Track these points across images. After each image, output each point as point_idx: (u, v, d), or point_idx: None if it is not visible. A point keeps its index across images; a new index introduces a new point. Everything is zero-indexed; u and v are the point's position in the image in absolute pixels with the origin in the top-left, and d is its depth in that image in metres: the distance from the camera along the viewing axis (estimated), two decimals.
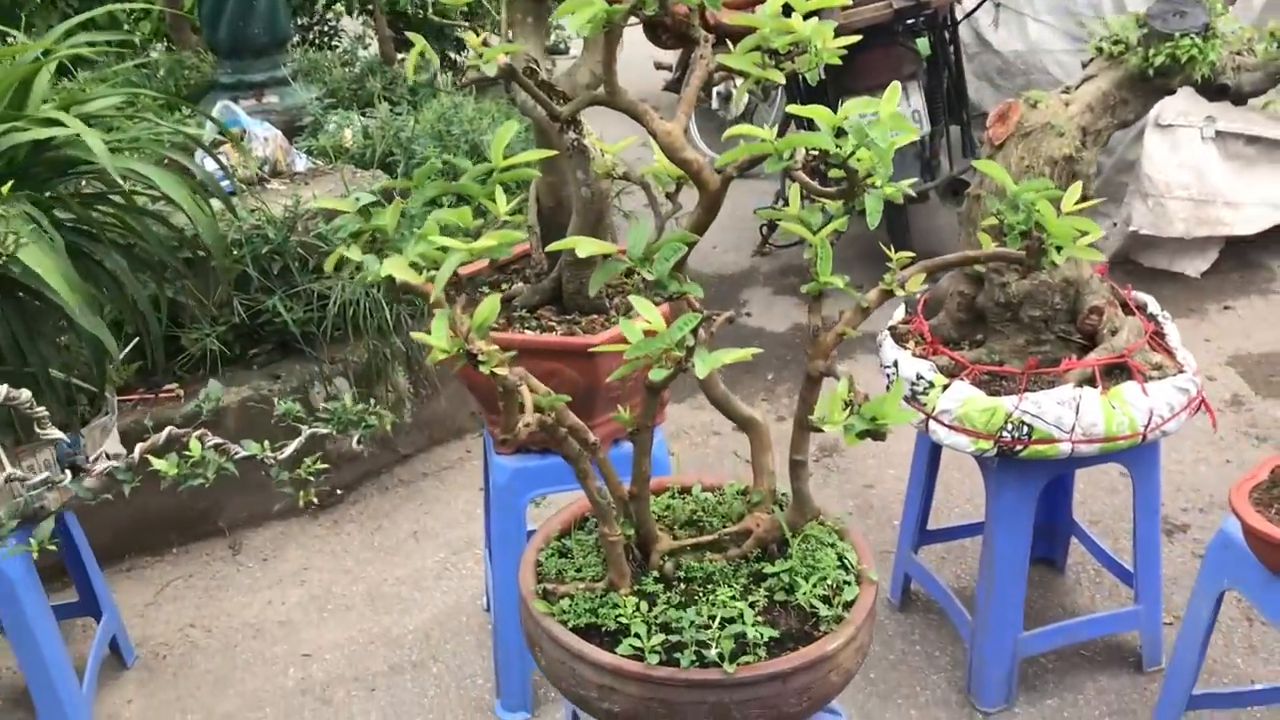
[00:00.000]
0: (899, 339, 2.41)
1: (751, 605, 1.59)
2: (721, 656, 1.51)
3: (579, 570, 1.68)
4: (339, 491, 3.37)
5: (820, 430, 1.46)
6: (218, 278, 3.17)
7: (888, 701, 2.52)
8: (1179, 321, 4.03)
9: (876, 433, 1.43)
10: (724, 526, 1.72)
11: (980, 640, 2.44)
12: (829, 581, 1.62)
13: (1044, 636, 2.45)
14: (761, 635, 1.52)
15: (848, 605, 1.59)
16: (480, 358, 1.27)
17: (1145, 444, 2.21)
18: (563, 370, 2.22)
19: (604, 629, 1.57)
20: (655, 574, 1.63)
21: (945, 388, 2.22)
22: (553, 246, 1.34)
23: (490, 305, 1.32)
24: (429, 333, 1.31)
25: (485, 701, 2.58)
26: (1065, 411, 2.13)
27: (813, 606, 1.58)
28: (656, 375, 1.28)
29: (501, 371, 1.30)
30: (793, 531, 1.68)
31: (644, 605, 1.59)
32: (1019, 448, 2.16)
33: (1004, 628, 2.40)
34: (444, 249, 1.32)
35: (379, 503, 3.35)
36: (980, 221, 2.26)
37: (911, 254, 1.59)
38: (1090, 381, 2.22)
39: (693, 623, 1.53)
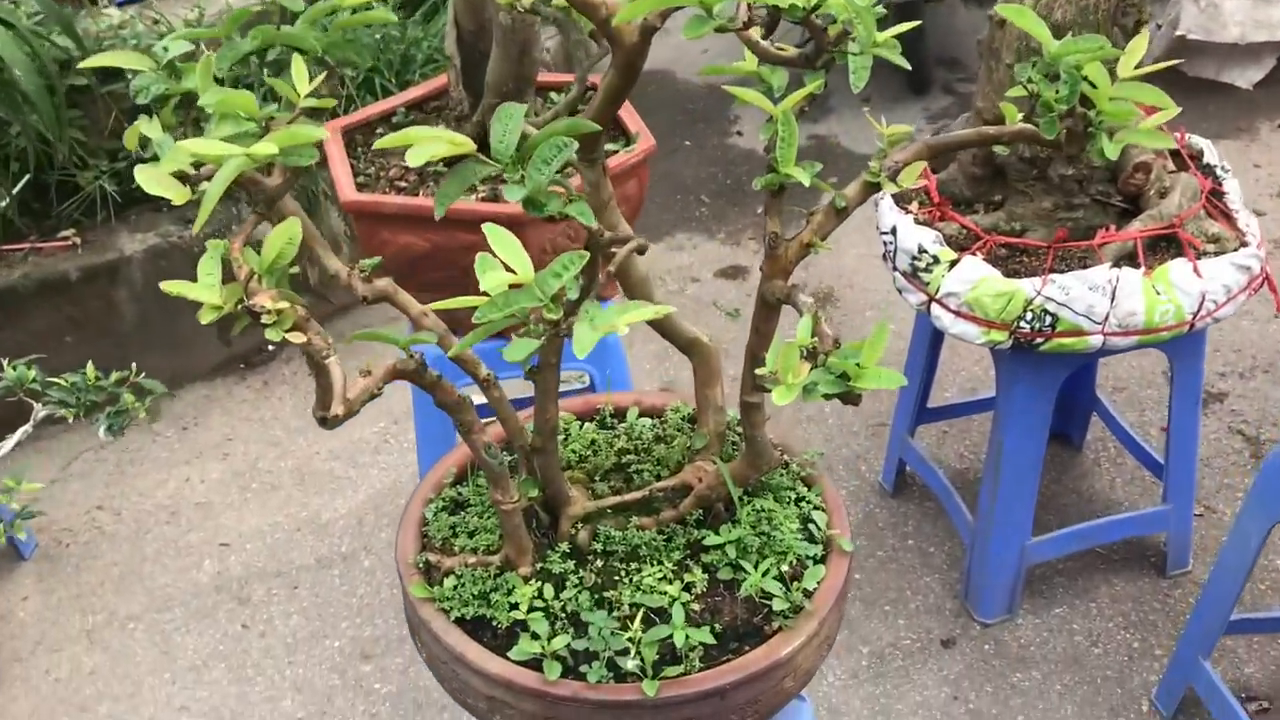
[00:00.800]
0: (900, 198, 1.99)
1: (687, 588, 1.24)
2: (643, 669, 1.17)
3: (473, 535, 1.32)
4: (269, 347, 3.02)
5: (766, 391, 1.07)
6: (109, 105, 2.73)
7: (872, 608, 2.22)
8: (1225, 144, 3.56)
9: (848, 395, 1.04)
10: (658, 477, 1.35)
11: (981, 546, 2.11)
12: (787, 557, 1.27)
13: (1055, 542, 2.13)
14: (693, 641, 1.18)
15: (810, 590, 1.24)
16: (266, 319, 0.87)
17: (1192, 332, 1.81)
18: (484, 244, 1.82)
19: (496, 624, 1.22)
20: (565, 546, 1.27)
21: (953, 264, 1.82)
22: (384, 141, 0.92)
23: (285, 234, 0.92)
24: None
25: None
26: (1098, 299, 1.73)
27: (764, 596, 1.22)
28: (516, 352, 0.88)
29: (300, 338, 0.90)
30: (745, 489, 1.32)
31: (548, 590, 1.24)
32: (1039, 341, 1.77)
33: (1009, 534, 2.07)
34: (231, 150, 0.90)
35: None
36: (1005, 57, 1.80)
37: (907, 130, 1.16)
38: (1130, 258, 1.81)
39: (604, 626, 1.18)
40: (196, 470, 2.68)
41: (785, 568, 1.25)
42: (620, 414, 1.51)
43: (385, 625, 2.26)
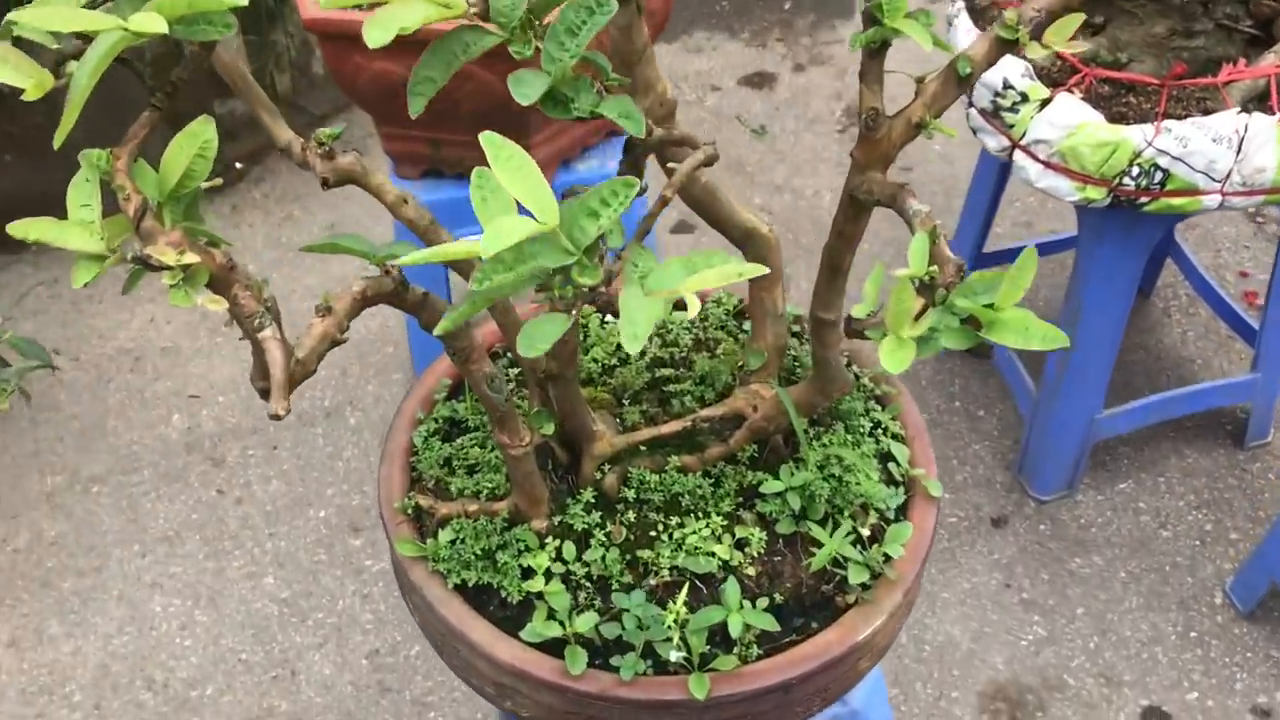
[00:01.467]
0: (977, 13, 1.65)
1: (739, 545, 1.00)
2: (688, 660, 0.94)
3: (473, 471, 1.07)
4: (238, 165, 2.70)
5: (864, 337, 0.79)
6: None
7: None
8: None
9: (979, 348, 0.77)
10: (702, 401, 1.09)
11: (1044, 418, 1.87)
12: (865, 506, 1.02)
13: (1129, 416, 1.89)
14: (752, 627, 0.94)
15: (885, 555, 1.00)
16: (167, 277, 0.59)
17: None
18: (477, 72, 1.50)
19: (505, 594, 0.99)
20: (589, 494, 1.02)
21: (1044, 104, 1.50)
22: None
23: (194, 141, 0.63)
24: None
25: None
26: (1222, 152, 1.43)
27: (839, 561, 0.99)
28: (534, 342, 0.60)
29: (218, 303, 0.62)
30: (811, 419, 1.06)
31: (568, 549, 1.00)
32: (1144, 200, 1.48)
33: (1078, 406, 1.83)
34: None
35: (288, 182, 2.68)
36: None
37: None
38: (1260, 99, 1.50)
39: (640, 612, 0.94)
40: (161, 309, 2.41)
41: (858, 526, 1.01)
42: None
43: (375, 494, 2.04)
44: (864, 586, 0.98)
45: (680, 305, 1.17)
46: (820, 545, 1.00)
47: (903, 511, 1.05)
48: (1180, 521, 1.92)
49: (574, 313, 0.60)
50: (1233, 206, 1.49)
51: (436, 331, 0.76)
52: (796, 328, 1.20)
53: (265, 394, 0.71)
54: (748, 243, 1.03)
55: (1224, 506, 1.94)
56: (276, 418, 0.62)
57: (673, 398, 1.10)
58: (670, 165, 0.81)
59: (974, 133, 1.63)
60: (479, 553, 1.00)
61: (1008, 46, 0.84)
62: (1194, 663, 1.76)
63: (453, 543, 1.01)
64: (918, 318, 0.76)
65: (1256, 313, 2.20)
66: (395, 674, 1.82)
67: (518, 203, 0.60)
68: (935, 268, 0.78)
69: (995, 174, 1.93)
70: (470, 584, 0.99)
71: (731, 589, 0.95)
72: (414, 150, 1.68)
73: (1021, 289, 0.77)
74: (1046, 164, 1.51)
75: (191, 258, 0.59)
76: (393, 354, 2.28)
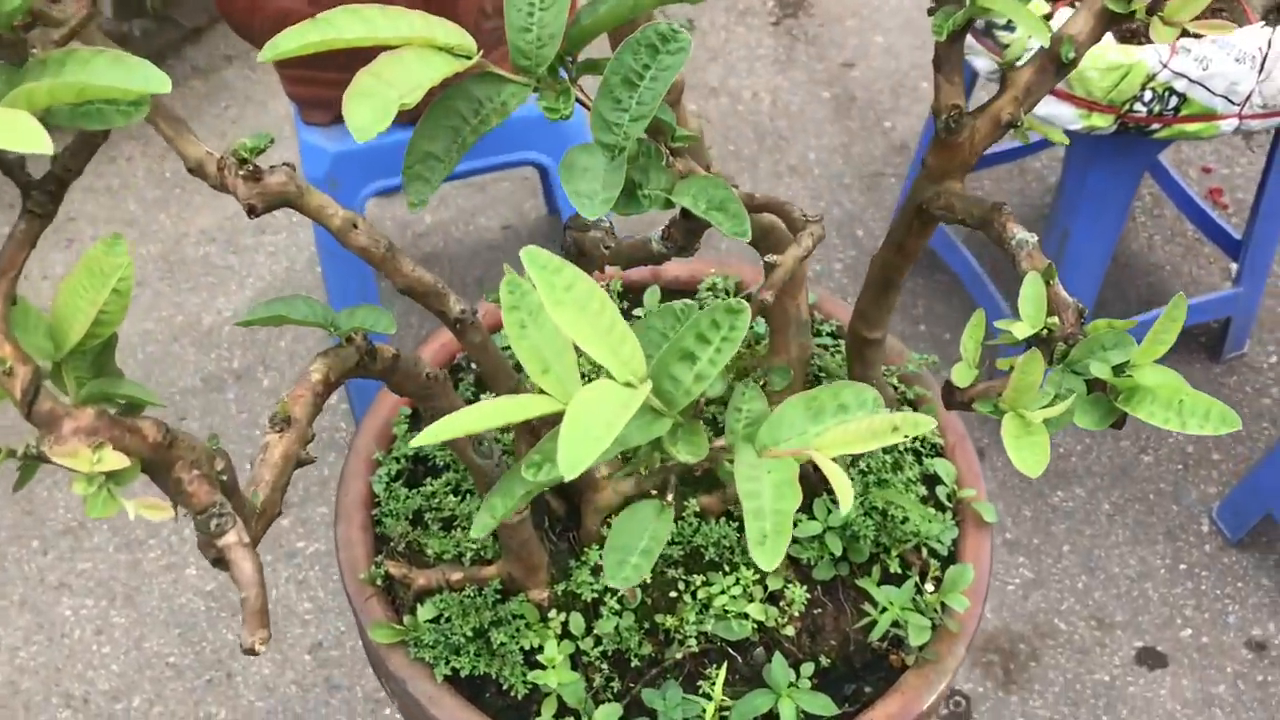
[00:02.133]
0: None
1: (774, 600, 0.86)
2: None
3: (450, 526, 0.90)
4: None
5: (967, 408, 0.64)
6: None
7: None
8: None
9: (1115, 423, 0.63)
10: (718, 426, 0.93)
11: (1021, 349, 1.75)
12: (914, 545, 0.88)
13: None
14: (806, 712, 0.81)
15: (942, 604, 0.86)
16: (78, 484, 0.41)
17: None
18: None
19: (509, 688, 0.83)
20: (596, 554, 0.86)
21: (1046, 19, 1.33)
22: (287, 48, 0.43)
23: (104, 273, 0.44)
24: None
25: (340, 439, 1.87)
26: (1245, 72, 1.29)
27: (898, 623, 0.85)
28: (624, 555, 0.43)
29: (160, 512, 0.44)
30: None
31: (575, 623, 0.84)
32: (1155, 127, 1.34)
33: None
34: None
35: (171, 102, 2.39)
36: None
37: None
38: None
39: (674, 709, 0.79)
40: (35, 263, 2.14)
41: (913, 572, 0.87)
42: (630, 291, 1.07)
43: (314, 471, 1.86)
44: (916, 644, 0.85)
45: (666, 288, 1.00)
46: (867, 594, 0.86)
47: (955, 543, 0.91)
48: (1161, 445, 1.84)
49: (670, 499, 0.43)
50: (1249, 130, 1.36)
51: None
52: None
53: (219, 563, 0.53)
54: (765, 243, 0.86)
55: None
56: (252, 653, 0.45)
57: None
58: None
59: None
60: (469, 633, 0.84)
61: (1115, 20, 0.67)
62: (1185, 597, 1.69)
63: (436, 621, 0.85)
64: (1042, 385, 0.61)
65: (1223, 212, 2.11)
66: (342, 668, 1.66)
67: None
68: (1054, 318, 0.62)
69: (967, 74, 1.77)
70: (463, 674, 0.83)
71: (778, 667, 0.81)
72: (325, 95, 1.45)
73: (1166, 344, 0.62)
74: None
75: (115, 461, 0.41)
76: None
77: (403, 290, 0.82)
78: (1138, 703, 1.60)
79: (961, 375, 0.63)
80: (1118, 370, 0.62)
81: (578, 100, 0.46)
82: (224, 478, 0.47)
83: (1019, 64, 0.68)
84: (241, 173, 0.69)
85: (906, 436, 0.43)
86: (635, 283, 1.06)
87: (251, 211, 0.73)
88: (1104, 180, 1.51)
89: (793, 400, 0.44)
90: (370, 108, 0.40)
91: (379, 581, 0.88)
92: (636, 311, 1.03)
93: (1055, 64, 0.67)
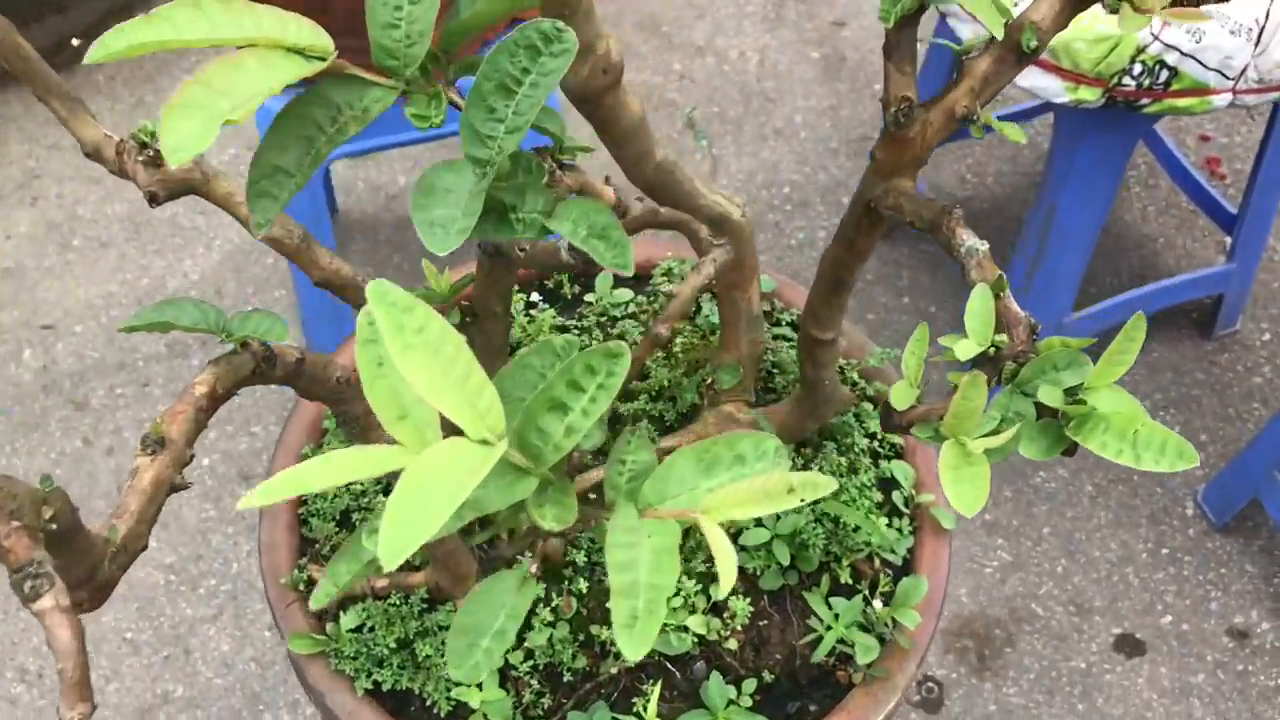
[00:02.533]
0: None
1: (718, 612, 0.81)
2: None
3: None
4: (74, 42, 2.32)
5: (904, 432, 0.59)
6: None
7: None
8: None
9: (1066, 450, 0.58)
10: (661, 420, 0.88)
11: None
12: (867, 554, 0.84)
13: (1099, 317, 1.72)
14: None
15: (895, 618, 0.82)
16: None
17: None
18: None
19: (429, 701, 0.79)
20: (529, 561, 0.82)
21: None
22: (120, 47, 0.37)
23: None
24: None
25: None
26: (1240, 45, 1.22)
27: (844, 639, 0.80)
28: (469, 649, 0.38)
29: None
30: (798, 444, 0.86)
31: None
32: (1145, 102, 1.28)
33: (1044, 311, 1.66)
34: None
35: (139, 60, 2.32)
36: None
37: None
38: None
39: (596, 718, 0.75)
40: (0, 219, 2.09)
41: (863, 585, 0.83)
42: (578, 277, 1.01)
43: (266, 434, 1.82)
44: (862, 661, 0.80)
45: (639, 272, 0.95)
46: (815, 609, 0.81)
47: (910, 552, 0.86)
48: None
49: (535, 570, 0.38)
50: (1243, 105, 1.29)
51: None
52: (765, 305, 0.98)
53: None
54: (718, 227, 0.81)
55: (1192, 405, 1.81)
56: None
57: (625, 420, 0.89)
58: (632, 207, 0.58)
59: (943, 17, 1.39)
60: (393, 644, 0.79)
61: (1084, 5, 0.61)
62: (1166, 583, 1.65)
63: (359, 630, 0.81)
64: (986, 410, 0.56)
65: (1220, 183, 2.04)
66: None
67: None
68: (1002, 336, 0.57)
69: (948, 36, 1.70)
70: (385, 688, 0.79)
71: (716, 686, 0.77)
72: None
73: (1124, 365, 0.57)
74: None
75: None
76: (273, 265, 2.01)
77: (319, 283, 0.77)
78: (1114, 691, 1.56)
79: (900, 396, 0.58)
80: (1071, 393, 0.57)
81: (453, 106, 0.41)
82: (54, 525, 0.42)
83: (975, 53, 0.62)
84: (141, 158, 0.64)
85: (804, 500, 0.38)
86: (575, 267, 1.01)
87: (153, 200, 0.68)
88: (1093, 154, 1.45)
89: (684, 451, 0.39)
90: (196, 122, 0.35)
91: (302, 586, 0.84)
92: (589, 297, 0.98)
93: (1016, 53, 0.61)
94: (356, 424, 0.70)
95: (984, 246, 0.59)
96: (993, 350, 0.57)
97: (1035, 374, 0.57)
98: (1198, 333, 1.88)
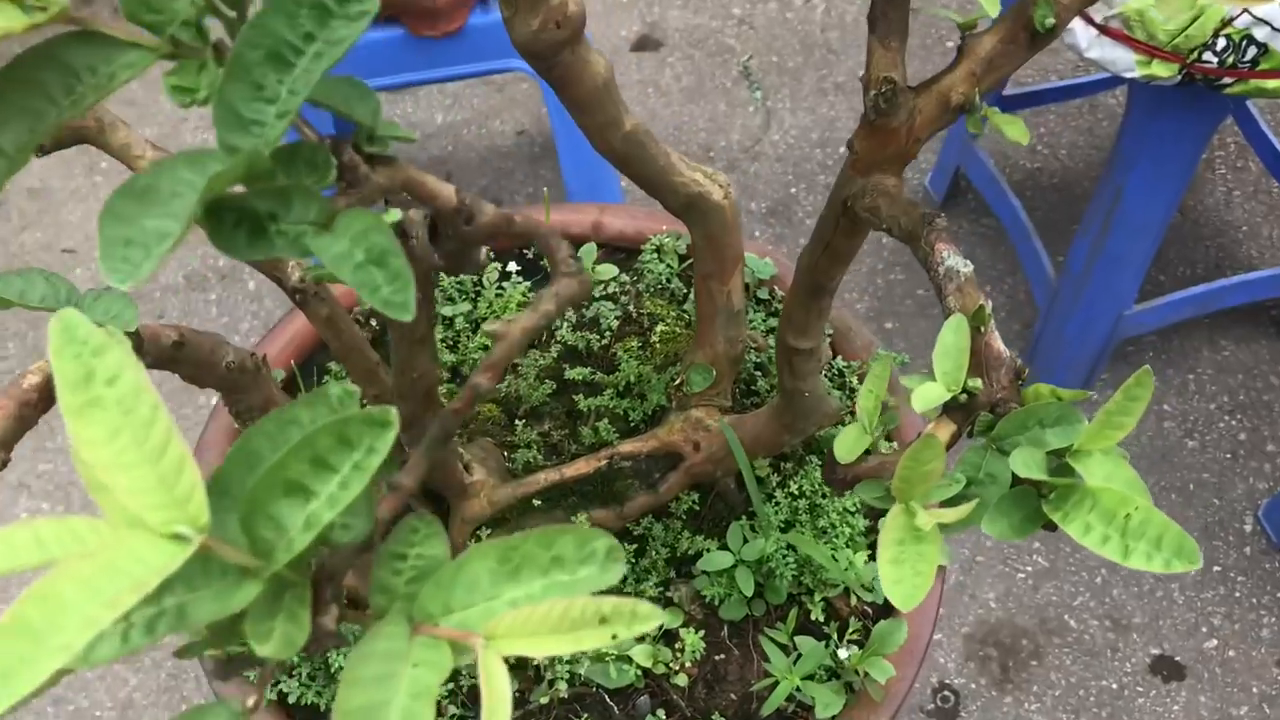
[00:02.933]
0: None
1: (669, 641, 0.72)
2: None
3: None
4: None
5: (846, 487, 0.49)
6: None
7: (908, 369, 1.71)
8: None
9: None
10: (626, 419, 0.79)
11: (1064, 310, 1.57)
12: (842, 588, 0.74)
13: (1164, 310, 1.58)
14: None
15: (865, 669, 0.72)
16: None
17: None
18: None
19: None
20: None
21: None
22: None
23: None
24: None
25: None
26: None
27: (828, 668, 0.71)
28: None
29: None
30: (777, 458, 0.76)
31: None
32: (1227, 81, 1.14)
33: (1106, 302, 1.53)
34: None
35: None
36: None
37: None
38: None
39: None
40: None
41: (832, 629, 0.73)
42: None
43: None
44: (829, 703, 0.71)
45: (607, 243, 0.86)
46: (769, 652, 0.72)
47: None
48: (1210, 429, 1.65)
49: (252, 705, 0.30)
50: None
51: None
52: (764, 293, 0.88)
53: None
54: (690, 215, 0.71)
55: (1262, 411, 1.66)
56: None
57: (585, 416, 0.80)
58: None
59: None
60: (304, 652, 0.72)
61: None
62: (1215, 604, 1.52)
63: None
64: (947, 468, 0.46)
65: None
66: None
67: None
68: (975, 380, 0.47)
69: None
70: (291, 700, 0.72)
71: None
72: None
73: (1122, 429, 0.46)
74: (1103, 29, 1.15)
75: None
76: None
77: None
78: (1146, 717, 1.45)
79: (848, 445, 0.48)
80: (1058, 454, 0.46)
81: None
82: None
83: (979, 29, 0.51)
84: None
85: (615, 638, 0.29)
86: (572, 236, 0.91)
87: (39, 150, 0.60)
88: (1167, 134, 1.31)
89: (485, 547, 0.30)
90: None
91: None
92: None
93: (1028, 32, 0.50)
94: (249, 415, 0.62)
95: (967, 268, 0.48)
96: (965, 397, 0.47)
97: (1015, 429, 0.47)
98: (1275, 332, 1.73)
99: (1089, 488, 0.45)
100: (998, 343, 0.48)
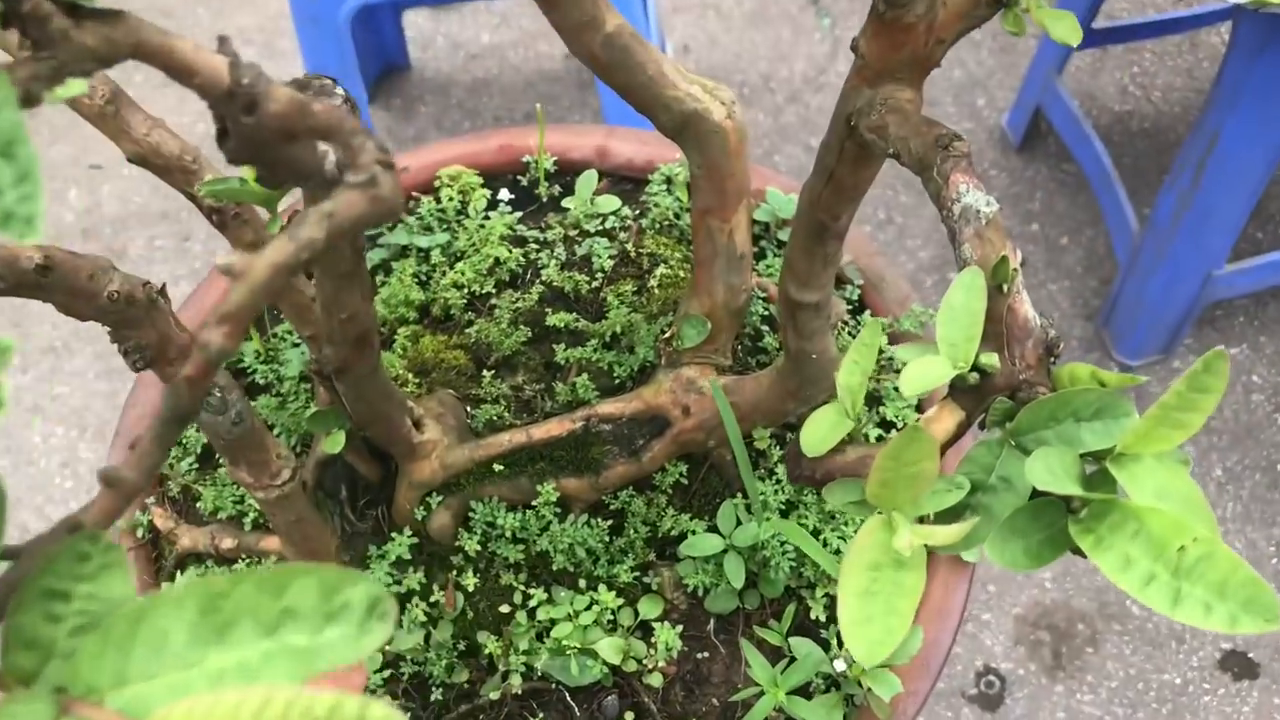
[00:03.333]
0: None
1: (645, 633, 0.62)
2: None
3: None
4: None
5: (813, 485, 0.37)
6: None
7: None
8: None
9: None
10: (610, 374, 0.68)
11: (1146, 267, 1.43)
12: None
13: (1258, 273, 1.43)
14: None
15: (867, 682, 0.61)
16: None
17: None
18: None
19: None
20: (406, 539, 0.63)
21: None
22: None
23: None
24: None
25: None
26: None
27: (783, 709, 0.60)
28: None
29: None
30: (778, 429, 0.65)
31: None
32: None
33: (1194, 260, 1.38)
34: None
35: None
36: None
37: None
38: None
39: None
40: None
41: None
42: (562, 173, 0.81)
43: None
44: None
45: (612, 172, 0.77)
46: (750, 658, 0.61)
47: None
48: None
49: None
50: None
51: None
52: (783, 235, 0.76)
53: None
54: (685, 137, 0.59)
55: None
56: None
57: (563, 368, 0.69)
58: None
59: None
60: None
61: None
62: None
63: None
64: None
65: None
66: None
67: None
68: (990, 356, 0.35)
69: None
70: None
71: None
72: None
73: (1189, 428, 0.35)
74: None
75: None
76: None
77: (133, 160, 0.59)
78: (1211, 716, 1.32)
79: (817, 434, 0.37)
80: (1096, 458, 0.35)
81: None
82: None
83: None
84: None
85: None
86: (573, 162, 0.80)
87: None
88: (1274, 73, 1.16)
89: (183, 591, 0.20)
90: None
91: (141, 532, 0.68)
92: (566, 202, 0.77)
93: None
94: (146, 357, 0.53)
95: (989, 208, 0.36)
96: (976, 377, 0.35)
97: (1041, 421, 0.35)
98: None
99: (1133, 506, 0.33)
100: (1024, 307, 0.37)
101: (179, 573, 0.65)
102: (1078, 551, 0.35)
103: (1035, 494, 0.36)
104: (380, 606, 0.20)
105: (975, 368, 0.36)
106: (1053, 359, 0.37)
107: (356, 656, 0.20)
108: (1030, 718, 1.33)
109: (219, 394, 0.55)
